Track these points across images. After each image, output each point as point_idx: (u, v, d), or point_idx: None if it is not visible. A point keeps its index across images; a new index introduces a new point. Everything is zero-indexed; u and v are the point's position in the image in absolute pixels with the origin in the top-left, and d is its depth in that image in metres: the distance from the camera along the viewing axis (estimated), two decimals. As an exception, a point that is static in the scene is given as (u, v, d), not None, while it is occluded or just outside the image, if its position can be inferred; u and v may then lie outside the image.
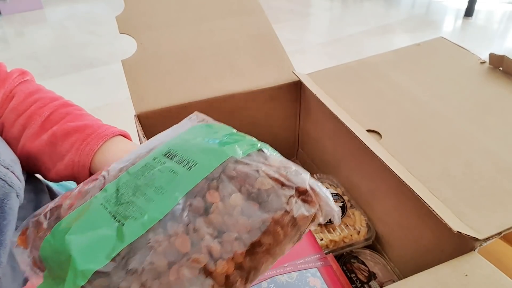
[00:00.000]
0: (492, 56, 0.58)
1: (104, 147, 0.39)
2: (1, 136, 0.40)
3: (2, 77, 0.42)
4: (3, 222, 0.32)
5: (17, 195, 0.34)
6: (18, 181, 0.34)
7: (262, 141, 0.31)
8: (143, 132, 0.54)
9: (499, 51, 0.59)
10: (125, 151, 0.38)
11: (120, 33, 0.63)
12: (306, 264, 0.41)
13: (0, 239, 0.31)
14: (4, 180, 0.32)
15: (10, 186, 0.33)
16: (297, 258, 0.41)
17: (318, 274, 0.40)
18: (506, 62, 0.56)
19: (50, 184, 0.47)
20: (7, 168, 0.33)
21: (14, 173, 0.34)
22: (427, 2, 2.93)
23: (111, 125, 0.45)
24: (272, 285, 0.38)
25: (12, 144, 0.40)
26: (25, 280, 0.35)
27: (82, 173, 0.38)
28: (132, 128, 0.55)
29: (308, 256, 0.42)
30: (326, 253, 0.50)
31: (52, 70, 1.87)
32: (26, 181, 0.42)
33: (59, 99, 0.44)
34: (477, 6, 2.51)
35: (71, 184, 0.58)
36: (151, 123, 0.60)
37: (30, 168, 0.41)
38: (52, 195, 0.44)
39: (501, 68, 0.58)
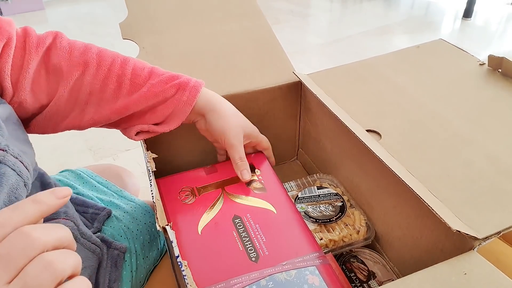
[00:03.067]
0: (491, 58, 0.58)
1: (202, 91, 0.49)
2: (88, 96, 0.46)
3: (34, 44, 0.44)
4: None
5: (24, 185, 0.34)
6: (26, 170, 0.35)
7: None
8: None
9: (497, 52, 0.59)
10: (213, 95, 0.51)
11: (123, 38, 0.64)
12: (304, 263, 0.41)
13: None
14: (13, 169, 0.33)
15: (19, 175, 0.33)
16: (296, 256, 0.42)
17: (317, 272, 0.40)
18: (505, 64, 0.57)
19: (57, 182, 0.48)
20: (16, 158, 0.34)
21: (22, 163, 0.35)
22: (426, 3, 2.93)
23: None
24: (271, 283, 0.39)
25: (106, 104, 0.46)
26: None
27: (183, 113, 0.48)
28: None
29: (307, 255, 0.42)
30: (325, 253, 0.50)
31: (52, 70, 1.87)
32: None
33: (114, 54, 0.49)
34: (475, 7, 2.51)
35: (69, 180, 0.58)
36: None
37: (122, 118, 0.48)
38: None
39: (500, 70, 0.58)
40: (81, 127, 0.49)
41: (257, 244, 0.43)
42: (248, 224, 0.45)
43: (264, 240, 0.43)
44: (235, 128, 0.50)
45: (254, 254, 0.42)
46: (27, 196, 0.40)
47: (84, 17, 2.68)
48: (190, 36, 0.67)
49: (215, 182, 0.51)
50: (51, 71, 0.44)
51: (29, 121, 0.46)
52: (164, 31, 0.67)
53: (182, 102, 0.48)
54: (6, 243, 0.21)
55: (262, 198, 0.49)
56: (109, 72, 0.46)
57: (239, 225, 0.45)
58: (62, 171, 0.63)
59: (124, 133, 0.51)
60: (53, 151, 1.41)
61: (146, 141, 0.52)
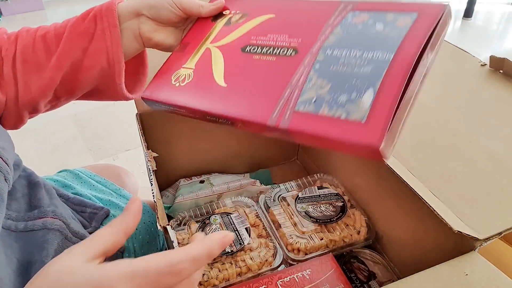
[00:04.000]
0: (492, 59, 0.58)
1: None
2: (26, 74, 0.42)
3: None
4: None
5: (5, 179, 0.34)
6: (5, 165, 0.35)
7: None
8: (142, 131, 0.54)
9: (498, 52, 0.59)
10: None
11: None
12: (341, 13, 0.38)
13: None
14: None
15: None
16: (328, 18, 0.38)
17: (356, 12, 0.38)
18: (506, 64, 0.57)
19: (46, 181, 0.48)
20: None
21: (1, 157, 0.34)
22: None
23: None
24: (328, 51, 0.35)
25: (41, 67, 0.42)
26: (18, 265, 0.35)
27: (114, 36, 0.42)
28: (133, 127, 0.55)
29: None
30: (325, 253, 0.50)
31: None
32: (20, 175, 0.43)
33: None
34: (476, 7, 2.51)
35: (67, 180, 0.58)
36: (152, 122, 0.61)
37: (67, 73, 0.43)
38: (48, 191, 0.44)
39: (501, 71, 0.58)
40: (36, 103, 0.44)
41: (283, 42, 0.39)
42: (260, 41, 0.40)
43: (287, 35, 0.39)
44: None
45: (289, 51, 0.38)
46: (13, 199, 0.40)
47: (84, 17, 2.69)
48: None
49: (196, 49, 0.44)
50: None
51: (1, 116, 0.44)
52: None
53: (107, 29, 0.42)
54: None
55: (252, 19, 0.43)
56: (35, 36, 0.43)
57: (252, 49, 0.40)
58: (60, 171, 0.63)
59: (119, 97, 0.46)
60: (53, 151, 1.41)
61: (146, 140, 0.52)
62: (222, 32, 0.44)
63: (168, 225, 0.36)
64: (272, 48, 0.39)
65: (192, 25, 0.46)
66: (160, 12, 0.43)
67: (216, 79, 0.39)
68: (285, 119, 0.33)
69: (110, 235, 0.26)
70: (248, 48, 0.40)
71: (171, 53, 0.46)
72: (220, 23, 0.45)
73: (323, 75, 0.34)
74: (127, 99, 0.47)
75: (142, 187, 0.76)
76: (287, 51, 0.38)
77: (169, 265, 0.24)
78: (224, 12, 0.46)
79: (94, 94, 0.47)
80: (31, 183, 0.43)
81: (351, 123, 0.30)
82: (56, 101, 0.46)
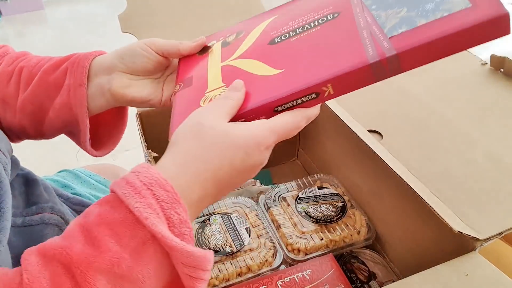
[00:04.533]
0: (493, 58, 0.58)
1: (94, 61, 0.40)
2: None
3: None
4: (0, 192, 0.32)
5: (4, 169, 0.34)
6: (3, 155, 0.35)
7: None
8: (142, 131, 0.54)
9: (498, 52, 0.59)
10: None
11: (123, 31, 0.64)
12: None
13: None
14: None
15: None
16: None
17: None
18: (507, 64, 0.57)
19: (44, 180, 0.48)
20: None
21: None
22: (427, 3, 2.93)
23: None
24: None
25: (11, 102, 0.40)
26: (16, 260, 0.35)
27: (79, 96, 0.39)
28: (133, 127, 0.55)
29: None
30: (326, 253, 0.50)
31: (52, 70, 1.87)
32: (18, 174, 0.42)
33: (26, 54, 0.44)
34: (477, 8, 2.51)
35: (67, 180, 0.58)
36: (152, 121, 0.60)
37: (33, 117, 0.41)
38: (46, 189, 0.44)
39: (502, 70, 0.58)
40: (11, 139, 0.42)
41: (315, 16, 0.35)
42: (286, 30, 0.36)
43: (311, 13, 0.36)
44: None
45: (328, 17, 0.34)
46: (13, 188, 0.39)
47: (84, 17, 2.68)
48: (190, 32, 0.67)
49: (208, 72, 0.39)
50: None
51: None
52: (165, 26, 0.67)
53: (72, 86, 0.39)
54: None
55: (253, 29, 0.39)
56: (16, 67, 0.41)
57: (284, 36, 0.36)
58: (60, 172, 0.62)
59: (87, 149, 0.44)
60: (53, 151, 1.40)
61: (146, 140, 0.52)
62: (226, 51, 0.39)
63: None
64: (307, 25, 0.35)
65: (179, 66, 0.41)
66: (134, 59, 0.39)
67: (264, 73, 0.34)
68: (387, 47, 0.28)
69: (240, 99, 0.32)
70: (277, 40, 0.36)
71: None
72: (216, 47, 0.41)
73: (388, 6, 0.31)
74: (92, 154, 0.45)
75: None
76: (326, 18, 0.34)
77: (300, 119, 0.31)
78: (209, 44, 0.42)
79: (69, 135, 0.45)
80: (29, 181, 0.43)
81: (459, 13, 0.27)
82: (28, 138, 0.45)
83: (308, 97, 0.31)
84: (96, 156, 0.45)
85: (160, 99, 0.41)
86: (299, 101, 0.31)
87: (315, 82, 0.30)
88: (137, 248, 0.25)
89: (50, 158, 1.38)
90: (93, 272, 0.24)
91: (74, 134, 0.43)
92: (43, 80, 0.40)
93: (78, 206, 0.51)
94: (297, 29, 0.35)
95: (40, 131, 0.42)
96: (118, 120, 0.46)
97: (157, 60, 0.40)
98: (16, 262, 0.35)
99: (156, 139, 0.55)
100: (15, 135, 0.44)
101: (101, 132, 0.45)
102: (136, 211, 0.25)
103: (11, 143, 0.41)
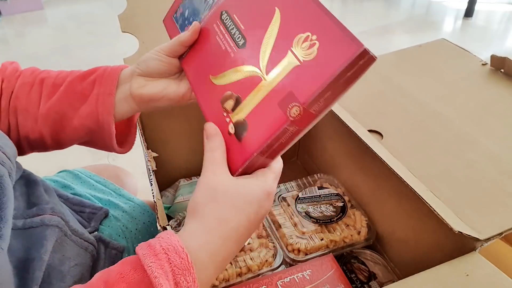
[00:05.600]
0: (493, 58, 0.58)
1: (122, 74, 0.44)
2: (17, 111, 0.43)
3: None
4: (3, 198, 0.33)
5: (9, 174, 0.35)
6: (9, 161, 0.36)
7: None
8: (142, 131, 0.54)
9: (498, 52, 0.59)
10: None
11: (123, 31, 0.64)
12: None
13: (0, 214, 0.32)
14: None
15: (2, 165, 0.34)
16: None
17: None
18: (507, 64, 0.56)
19: (45, 181, 0.48)
20: None
21: (5, 154, 0.35)
22: (427, 2, 2.93)
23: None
24: None
25: (32, 110, 0.43)
26: (17, 263, 0.35)
27: (107, 104, 0.42)
28: (133, 128, 0.55)
29: None
30: (326, 253, 0.50)
31: (52, 70, 1.88)
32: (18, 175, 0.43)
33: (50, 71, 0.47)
34: (477, 7, 2.51)
35: (67, 181, 0.58)
36: (152, 122, 0.60)
37: (55, 125, 0.44)
38: (46, 189, 0.44)
39: (502, 70, 0.58)
40: (23, 150, 0.45)
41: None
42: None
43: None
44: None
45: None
46: (14, 189, 0.40)
47: (83, 16, 2.68)
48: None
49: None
50: None
51: None
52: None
53: (101, 95, 0.42)
54: None
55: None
56: (36, 78, 0.44)
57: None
58: (60, 172, 0.62)
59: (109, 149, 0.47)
60: (52, 151, 1.40)
61: (146, 140, 0.52)
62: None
63: (168, 225, 0.36)
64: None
65: (184, 69, 0.43)
66: (148, 63, 0.42)
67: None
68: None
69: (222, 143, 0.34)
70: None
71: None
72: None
73: None
74: (119, 153, 0.48)
75: (142, 187, 0.76)
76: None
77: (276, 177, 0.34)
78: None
79: (85, 144, 0.48)
80: (29, 182, 0.43)
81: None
82: (43, 149, 0.47)
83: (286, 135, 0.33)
84: (123, 153, 0.49)
85: (178, 92, 0.43)
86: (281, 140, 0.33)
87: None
88: None
89: (50, 159, 1.38)
90: None
91: (92, 142, 0.46)
92: (71, 89, 0.43)
93: (78, 206, 0.51)
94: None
95: (57, 140, 0.45)
96: (127, 125, 0.49)
97: (168, 61, 0.42)
98: (18, 264, 0.35)
99: (156, 139, 0.55)
100: (29, 145, 0.45)
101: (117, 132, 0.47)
102: (149, 270, 0.27)
103: (19, 155, 0.43)
